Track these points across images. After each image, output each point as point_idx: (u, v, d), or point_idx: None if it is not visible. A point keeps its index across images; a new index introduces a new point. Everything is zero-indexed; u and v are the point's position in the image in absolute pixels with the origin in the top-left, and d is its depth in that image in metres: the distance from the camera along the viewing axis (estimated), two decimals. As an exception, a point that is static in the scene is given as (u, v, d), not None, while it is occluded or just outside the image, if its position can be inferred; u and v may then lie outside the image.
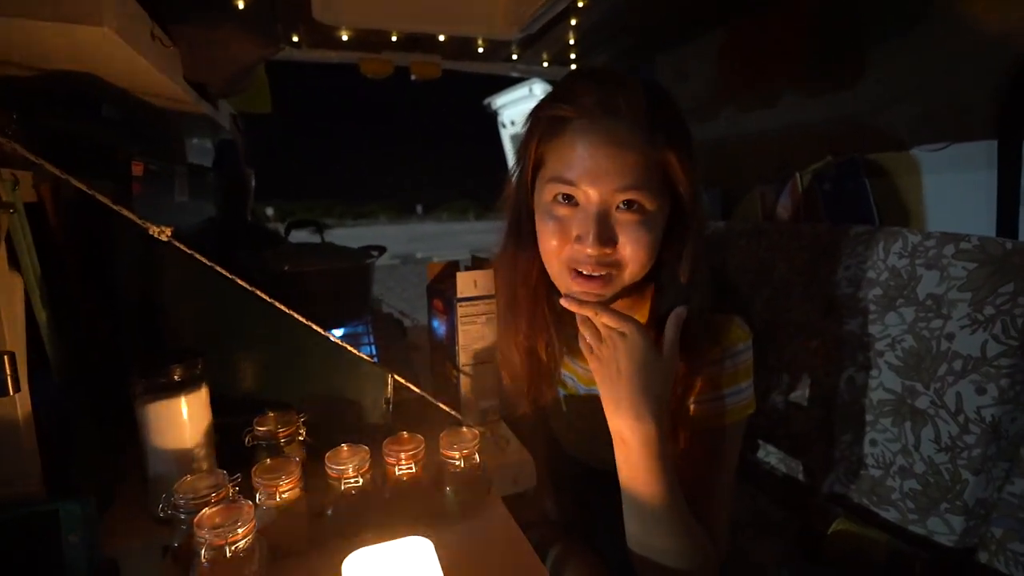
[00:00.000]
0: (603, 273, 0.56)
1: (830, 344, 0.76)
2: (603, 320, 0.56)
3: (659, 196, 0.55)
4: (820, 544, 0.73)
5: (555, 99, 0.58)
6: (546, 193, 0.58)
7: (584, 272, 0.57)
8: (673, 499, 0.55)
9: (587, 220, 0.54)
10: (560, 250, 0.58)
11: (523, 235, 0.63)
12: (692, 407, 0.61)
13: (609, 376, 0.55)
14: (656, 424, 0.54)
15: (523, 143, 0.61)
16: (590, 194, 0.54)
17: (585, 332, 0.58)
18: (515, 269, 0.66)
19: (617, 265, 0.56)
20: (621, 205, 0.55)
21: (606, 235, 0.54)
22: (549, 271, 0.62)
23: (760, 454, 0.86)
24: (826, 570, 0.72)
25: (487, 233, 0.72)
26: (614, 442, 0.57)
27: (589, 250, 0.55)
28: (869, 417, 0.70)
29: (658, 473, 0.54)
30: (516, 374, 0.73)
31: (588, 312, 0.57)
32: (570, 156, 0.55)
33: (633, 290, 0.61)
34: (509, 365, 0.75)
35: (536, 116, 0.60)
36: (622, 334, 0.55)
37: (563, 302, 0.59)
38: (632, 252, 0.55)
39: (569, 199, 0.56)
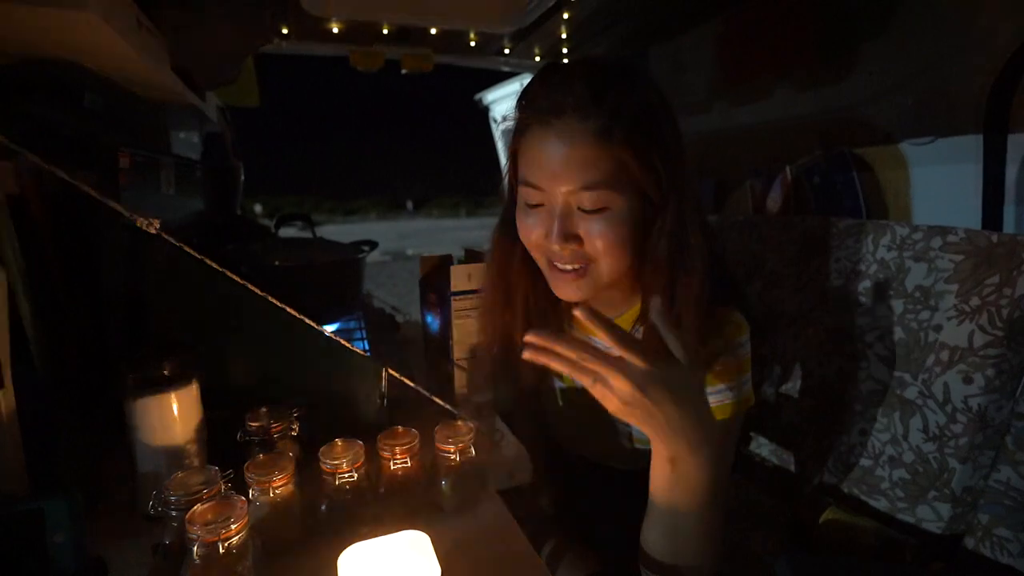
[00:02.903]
0: (576, 267, 0.57)
1: (820, 336, 0.77)
2: (616, 344, 0.46)
3: (625, 190, 0.53)
4: (811, 534, 0.74)
5: (519, 101, 0.59)
6: (520, 192, 0.59)
7: (558, 266, 0.58)
8: (718, 518, 0.52)
9: (550, 218, 0.56)
10: (537, 245, 0.59)
11: (506, 229, 0.65)
12: None
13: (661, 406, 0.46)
14: (713, 448, 0.49)
15: (509, 140, 0.63)
16: (552, 195, 0.55)
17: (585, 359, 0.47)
18: (494, 261, 0.68)
19: (590, 259, 0.56)
20: (584, 204, 0.54)
21: (568, 232, 0.55)
22: (538, 263, 0.62)
23: (752, 446, 0.87)
24: (818, 559, 0.73)
25: (478, 229, 0.72)
26: (658, 462, 0.50)
27: (555, 246, 0.56)
28: (859, 408, 0.71)
29: (711, 494, 0.50)
30: (484, 362, 0.74)
31: (599, 329, 0.47)
32: (532, 158, 0.56)
33: (627, 280, 0.61)
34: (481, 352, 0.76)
35: (515, 115, 0.60)
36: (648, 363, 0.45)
37: (576, 312, 0.49)
38: (602, 247, 0.55)
39: (538, 199, 0.57)
